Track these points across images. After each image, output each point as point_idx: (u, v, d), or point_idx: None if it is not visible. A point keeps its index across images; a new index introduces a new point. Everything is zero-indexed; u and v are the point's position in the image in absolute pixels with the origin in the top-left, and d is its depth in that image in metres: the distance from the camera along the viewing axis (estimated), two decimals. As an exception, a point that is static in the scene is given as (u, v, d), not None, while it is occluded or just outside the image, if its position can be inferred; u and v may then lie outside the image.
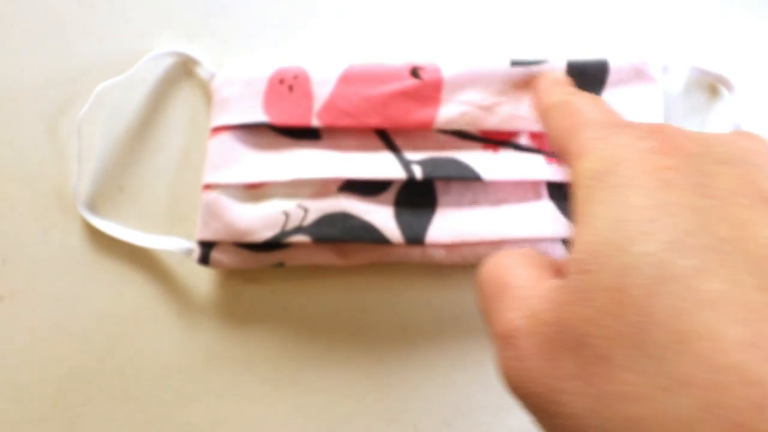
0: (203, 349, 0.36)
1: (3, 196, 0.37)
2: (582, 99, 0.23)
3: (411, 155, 0.35)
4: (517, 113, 0.34)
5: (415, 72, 0.35)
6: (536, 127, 0.34)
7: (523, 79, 0.34)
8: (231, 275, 0.36)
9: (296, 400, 0.35)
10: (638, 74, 0.34)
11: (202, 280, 0.36)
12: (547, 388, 0.16)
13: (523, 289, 0.18)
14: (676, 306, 0.13)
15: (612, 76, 0.34)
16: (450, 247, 0.34)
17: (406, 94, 0.35)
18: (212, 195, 0.34)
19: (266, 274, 0.36)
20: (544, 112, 0.24)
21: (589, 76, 0.34)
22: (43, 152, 0.38)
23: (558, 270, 0.18)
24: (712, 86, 0.37)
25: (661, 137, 0.18)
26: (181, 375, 0.35)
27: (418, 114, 0.35)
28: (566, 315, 0.16)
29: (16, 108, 0.38)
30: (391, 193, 0.35)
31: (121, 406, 0.35)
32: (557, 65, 0.35)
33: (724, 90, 0.36)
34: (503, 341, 0.17)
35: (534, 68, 0.34)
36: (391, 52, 0.38)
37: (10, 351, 0.36)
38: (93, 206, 0.37)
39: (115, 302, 0.36)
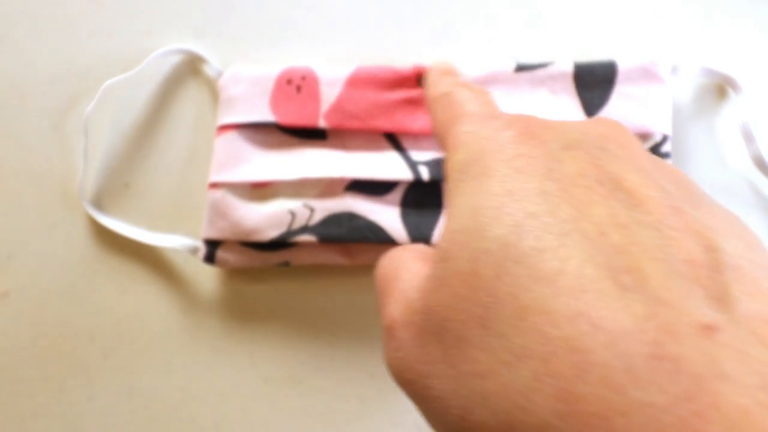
0: (207, 346, 0.36)
1: (9, 191, 0.37)
2: (464, 91, 0.23)
3: (418, 156, 0.35)
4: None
5: (421, 79, 0.35)
6: None
7: (528, 84, 0.34)
8: (235, 274, 0.36)
9: (299, 400, 0.35)
10: (647, 75, 0.34)
11: (207, 277, 0.36)
12: (418, 374, 0.16)
13: (404, 282, 0.19)
14: (517, 284, 0.14)
15: (621, 77, 0.34)
16: None
17: (413, 102, 0.35)
18: (218, 194, 0.34)
19: (271, 274, 0.36)
20: (429, 104, 0.25)
21: (597, 77, 0.34)
22: (49, 148, 0.38)
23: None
24: (720, 87, 0.37)
25: (520, 127, 0.18)
26: (185, 372, 0.35)
27: (425, 120, 0.35)
28: (431, 302, 0.16)
29: (24, 104, 0.38)
30: (397, 194, 0.35)
31: (125, 402, 0.35)
32: (564, 67, 0.34)
33: (731, 91, 0.36)
34: (386, 333, 0.18)
35: (539, 71, 0.34)
36: (398, 51, 0.38)
37: (14, 346, 0.36)
38: (99, 203, 0.37)
39: (119, 299, 0.36)
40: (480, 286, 0.15)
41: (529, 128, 0.18)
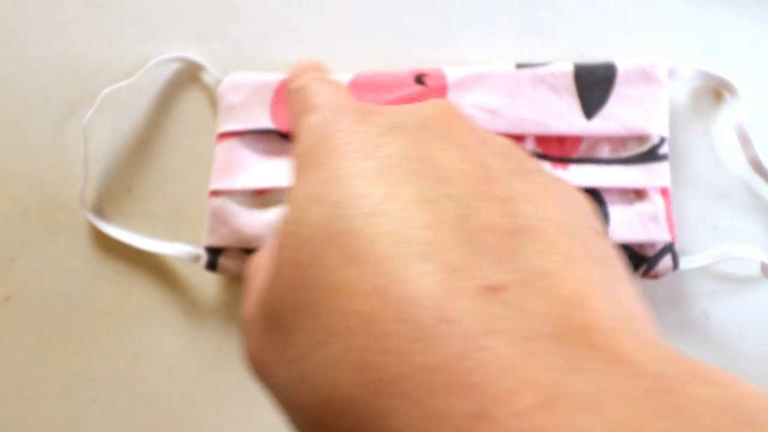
0: (209, 349, 0.36)
1: (12, 195, 0.37)
2: (319, 85, 0.23)
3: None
4: (523, 116, 0.34)
5: (419, 79, 0.35)
6: (542, 130, 0.34)
7: (529, 81, 0.35)
8: (237, 278, 0.36)
9: None
10: (645, 77, 0.34)
11: (209, 281, 0.36)
12: (261, 364, 0.17)
13: (258, 278, 0.19)
14: (329, 266, 0.15)
15: (620, 78, 0.34)
16: None
17: (412, 100, 0.35)
18: (219, 201, 0.34)
19: (272, 277, 0.36)
20: (288, 96, 0.25)
21: (597, 78, 0.34)
22: (51, 152, 0.38)
23: None
24: (716, 90, 0.37)
25: (354, 115, 0.19)
26: (187, 375, 0.35)
27: None
28: (268, 293, 0.17)
29: (26, 108, 0.38)
30: None
31: (127, 405, 0.35)
32: (565, 66, 0.35)
33: (727, 94, 0.36)
34: (242, 329, 0.19)
35: (539, 70, 0.35)
36: (398, 57, 0.38)
37: (17, 350, 0.36)
38: (101, 207, 0.37)
39: (121, 302, 0.36)
40: (301, 273, 0.15)
41: (361, 115, 0.19)
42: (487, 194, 0.16)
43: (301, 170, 0.18)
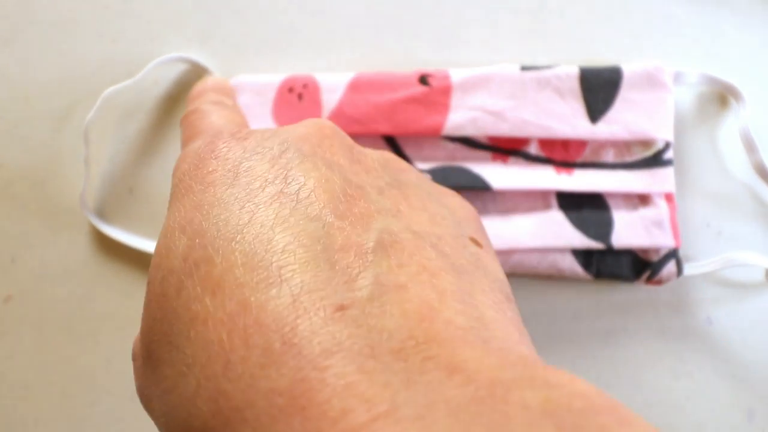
0: (210, 353, 0.35)
1: (12, 195, 0.37)
2: (210, 108, 0.23)
3: (421, 165, 0.35)
4: (527, 118, 0.34)
5: (423, 79, 0.35)
6: (546, 134, 0.34)
7: (534, 83, 0.34)
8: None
9: None
10: (651, 81, 0.34)
11: (210, 284, 0.36)
12: (145, 398, 0.17)
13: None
14: (190, 297, 0.15)
15: (625, 82, 0.34)
16: None
17: (415, 101, 0.35)
18: None
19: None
20: (180, 122, 0.24)
21: (603, 81, 0.34)
22: (53, 152, 0.38)
23: None
24: (722, 95, 0.37)
25: (226, 140, 0.19)
26: (188, 378, 0.35)
27: (426, 120, 0.35)
28: (142, 329, 0.17)
29: (27, 108, 0.38)
30: None
31: (128, 407, 0.35)
32: (571, 69, 0.35)
33: (733, 99, 0.36)
34: (132, 363, 0.19)
35: (545, 72, 0.34)
36: (401, 58, 0.38)
37: (17, 351, 0.36)
38: (102, 207, 0.37)
39: (122, 303, 0.36)
40: (167, 306, 0.15)
41: (232, 140, 0.19)
42: (348, 211, 0.16)
43: (172, 200, 0.18)
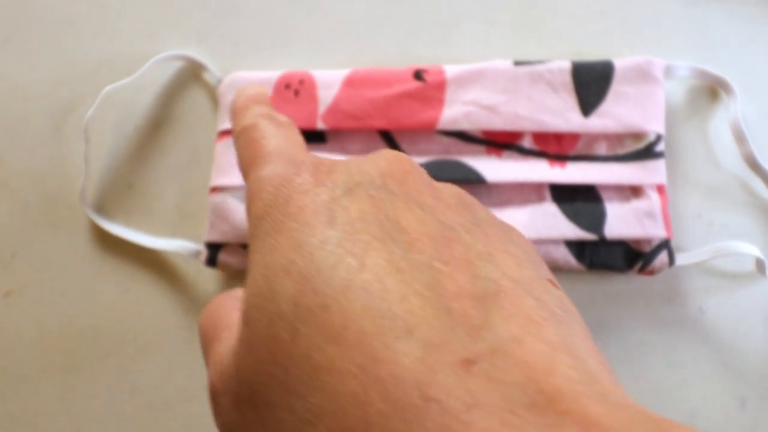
0: (208, 346, 0.36)
1: (13, 191, 0.38)
2: (268, 126, 0.22)
3: (416, 159, 0.35)
4: (520, 112, 0.34)
5: (418, 75, 0.35)
6: (539, 127, 0.34)
7: (527, 78, 0.35)
8: (237, 273, 0.37)
9: None
10: (642, 75, 0.35)
11: (209, 277, 0.37)
12: None
13: (222, 344, 0.19)
14: (310, 344, 0.14)
15: (617, 76, 0.35)
16: None
17: (410, 96, 0.35)
18: (219, 198, 0.35)
19: (271, 273, 0.36)
20: (234, 136, 0.24)
21: (595, 75, 0.35)
22: (53, 149, 0.38)
23: None
24: (712, 88, 0.37)
25: (309, 172, 0.18)
26: (187, 371, 0.36)
27: (421, 115, 0.35)
28: (241, 369, 0.16)
29: (27, 106, 0.39)
30: None
31: (127, 400, 0.35)
32: (562, 65, 0.35)
33: (723, 92, 0.37)
34: (210, 399, 0.18)
35: (537, 67, 0.35)
36: (397, 54, 0.39)
37: (18, 345, 0.36)
38: (102, 203, 0.38)
39: (122, 298, 0.36)
40: (278, 350, 0.15)
41: (317, 173, 0.18)
42: (451, 257, 0.16)
43: (262, 235, 0.17)
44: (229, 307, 0.21)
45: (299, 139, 0.22)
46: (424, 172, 0.20)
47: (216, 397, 0.18)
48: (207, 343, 0.20)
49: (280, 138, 0.21)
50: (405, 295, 0.15)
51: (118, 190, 0.38)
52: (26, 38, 0.40)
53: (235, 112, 0.25)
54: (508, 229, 0.20)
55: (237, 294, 0.22)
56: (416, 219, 0.17)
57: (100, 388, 0.36)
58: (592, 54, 0.38)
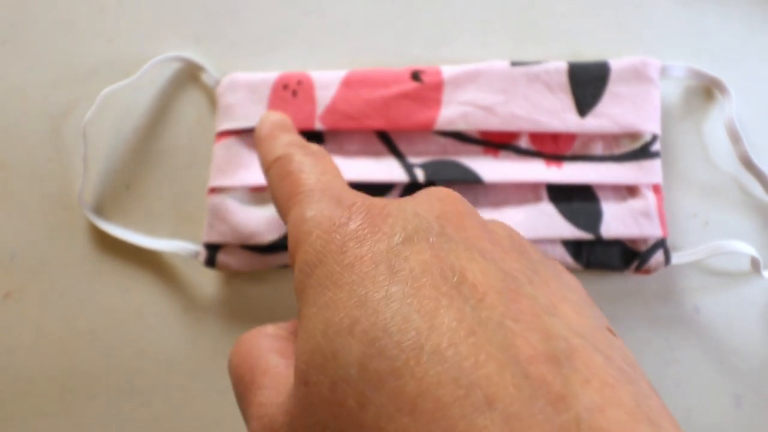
0: (208, 345, 0.36)
1: (12, 193, 0.38)
2: (301, 157, 0.21)
3: (413, 159, 0.35)
4: (517, 113, 0.35)
5: (415, 75, 0.36)
6: (536, 128, 0.35)
7: (524, 78, 0.35)
8: (236, 274, 0.37)
9: None
10: (638, 75, 0.35)
11: (207, 277, 0.37)
12: None
13: (265, 393, 0.18)
14: (381, 414, 0.14)
15: (613, 76, 0.35)
16: None
17: (407, 96, 0.35)
18: (218, 198, 0.35)
19: (271, 274, 0.36)
20: (264, 169, 0.22)
21: (591, 75, 0.35)
22: (51, 151, 0.38)
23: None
24: (707, 88, 0.37)
25: (361, 216, 0.17)
26: (186, 371, 0.36)
27: (419, 116, 0.35)
28: (297, 428, 0.16)
29: (26, 107, 0.39)
30: (393, 195, 0.35)
31: (127, 401, 0.35)
32: (558, 65, 0.35)
33: (718, 92, 0.37)
34: None
35: (534, 67, 0.35)
36: (395, 55, 0.39)
37: (17, 346, 0.36)
38: (100, 204, 0.38)
39: (121, 299, 0.36)
40: (345, 416, 0.14)
41: (370, 218, 0.17)
42: (520, 312, 0.15)
43: (316, 286, 0.16)
44: (264, 348, 0.20)
45: (338, 172, 0.21)
46: (477, 213, 0.19)
47: None
48: (244, 388, 0.19)
49: (318, 171, 0.20)
50: (480, 360, 0.14)
51: (117, 191, 0.38)
52: (25, 41, 0.40)
53: (261, 141, 0.23)
54: (559, 270, 0.19)
55: (269, 332, 0.20)
56: (480, 270, 0.16)
57: (99, 388, 0.36)
58: (588, 54, 0.38)
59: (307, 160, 0.21)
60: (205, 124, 0.38)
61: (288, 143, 0.22)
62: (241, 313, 0.36)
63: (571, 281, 0.20)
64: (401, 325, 0.14)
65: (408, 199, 0.18)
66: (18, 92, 0.39)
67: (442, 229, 0.17)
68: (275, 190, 0.21)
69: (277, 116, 0.25)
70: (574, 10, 0.39)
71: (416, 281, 0.15)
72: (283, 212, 0.20)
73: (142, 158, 0.38)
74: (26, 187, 0.38)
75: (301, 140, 0.23)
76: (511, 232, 0.20)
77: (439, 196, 0.19)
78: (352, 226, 0.17)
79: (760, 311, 0.35)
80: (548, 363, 0.14)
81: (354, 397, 0.14)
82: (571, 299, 0.17)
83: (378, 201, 0.18)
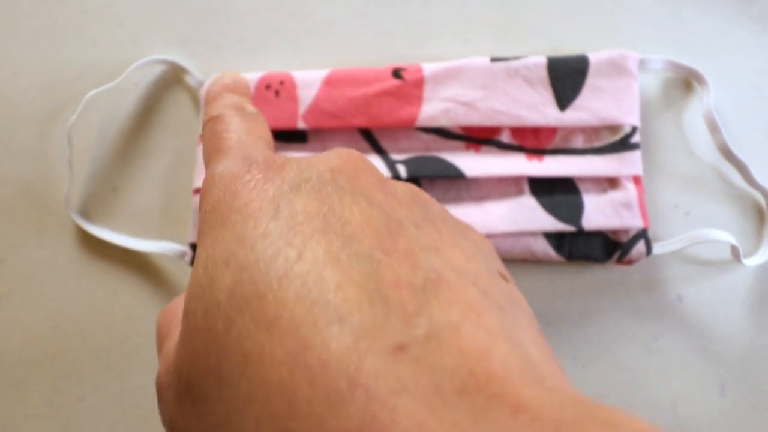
0: (196, 346, 0.36)
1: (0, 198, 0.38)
2: (234, 117, 0.22)
3: (396, 156, 0.36)
4: (497, 108, 0.35)
5: (396, 73, 0.36)
6: (517, 122, 0.35)
7: (504, 73, 0.35)
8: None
9: None
10: (617, 68, 0.35)
11: (195, 278, 0.37)
12: (179, 429, 0.17)
13: (170, 340, 0.19)
14: (242, 333, 0.14)
15: (592, 69, 0.35)
16: None
17: (389, 94, 0.35)
18: None
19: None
20: (202, 126, 0.23)
21: (570, 69, 0.35)
22: (38, 155, 0.38)
23: None
24: (686, 80, 0.38)
25: (261, 167, 0.18)
26: (175, 372, 0.36)
27: (401, 112, 0.35)
28: (179, 361, 0.16)
29: (12, 112, 0.39)
30: None
31: (116, 402, 0.36)
32: (537, 60, 0.35)
33: (696, 84, 0.37)
34: (157, 394, 0.18)
35: (514, 63, 0.35)
36: (377, 55, 0.39)
37: (7, 349, 0.36)
38: (87, 206, 0.38)
39: (109, 301, 0.37)
40: (213, 340, 0.15)
41: (267, 170, 0.18)
42: (393, 248, 0.16)
43: (207, 228, 0.17)
44: (180, 310, 0.21)
45: (263, 133, 0.22)
46: (377, 170, 0.20)
47: (160, 391, 0.18)
48: (159, 339, 0.20)
49: (242, 132, 0.21)
50: (340, 283, 0.15)
51: (103, 193, 0.38)
52: (9, 47, 0.40)
53: (207, 101, 0.24)
54: (463, 227, 0.20)
55: None
56: (361, 212, 0.17)
57: (89, 390, 0.36)
58: (568, 48, 0.38)
59: (236, 120, 0.22)
60: (189, 127, 0.38)
61: (227, 104, 0.23)
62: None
63: (476, 237, 0.20)
64: (272, 255, 0.15)
65: (310, 156, 0.20)
66: (3, 98, 0.39)
67: (332, 179, 0.18)
68: (204, 149, 0.22)
69: (230, 77, 0.26)
70: (553, 5, 0.39)
71: (294, 220, 0.16)
72: (205, 167, 0.21)
73: (129, 160, 0.38)
74: (13, 192, 0.38)
75: (242, 101, 0.24)
76: (414, 190, 0.20)
77: (340, 153, 0.20)
78: (248, 177, 0.18)
79: (742, 299, 0.35)
80: (409, 287, 0.15)
81: (221, 320, 0.15)
82: (462, 245, 0.18)
83: (279, 156, 0.19)
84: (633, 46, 0.37)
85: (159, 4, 0.40)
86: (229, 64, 0.39)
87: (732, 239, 0.33)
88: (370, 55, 0.39)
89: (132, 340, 0.36)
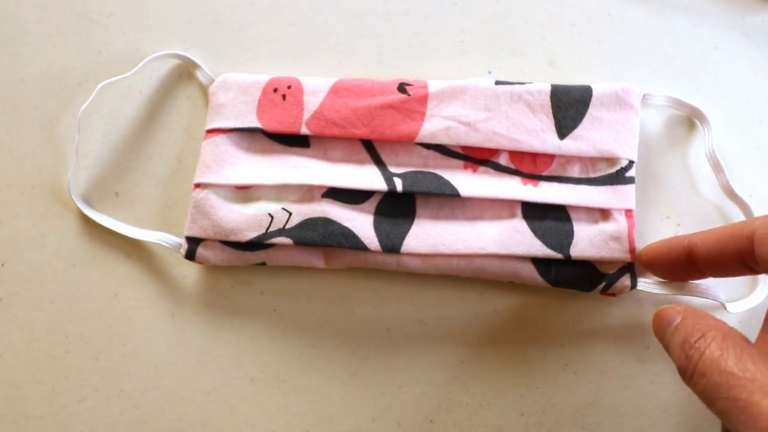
0: (195, 348, 0.37)
1: (2, 201, 0.38)
2: None
3: (394, 169, 0.36)
4: (498, 131, 0.35)
5: (402, 87, 0.36)
6: (515, 146, 0.35)
7: (507, 97, 0.35)
8: (222, 277, 0.37)
9: (284, 398, 0.36)
10: (619, 101, 0.35)
11: (195, 282, 0.37)
12: None
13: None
14: None
15: (594, 101, 0.35)
16: (425, 257, 0.35)
17: (392, 107, 0.36)
18: (202, 194, 0.35)
19: (256, 277, 0.37)
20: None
21: (573, 99, 0.35)
22: (40, 159, 0.39)
23: None
24: (689, 118, 0.38)
25: None
26: (173, 373, 0.36)
27: (402, 127, 0.35)
28: None
29: (17, 117, 0.39)
30: (372, 203, 0.36)
31: (116, 404, 0.36)
32: (541, 87, 0.35)
33: (698, 122, 0.37)
34: None
35: (518, 88, 0.35)
36: (377, 65, 0.39)
37: (7, 350, 0.37)
38: (89, 199, 0.38)
39: (109, 303, 0.37)
40: None
41: None
42: None
43: None
44: None
45: None
46: None
47: None
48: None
49: None
50: None
51: (105, 197, 0.38)
52: (16, 52, 0.40)
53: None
54: None
55: None
56: None
57: (89, 391, 0.36)
58: (562, 61, 0.38)
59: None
60: (192, 132, 0.39)
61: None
62: (226, 316, 0.37)
63: None
64: None
65: None
66: (8, 103, 0.39)
67: None
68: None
69: None
70: (549, 19, 0.39)
71: None
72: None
73: (131, 164, 0.39)
74: (16, 195, 0.38)
75: None
76: None
77: None
78: None
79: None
80: None
81: None
82: None
83: None
84: (625, 60, 0.38)
85: (162, 14, 0.40)
86: (231, 72, 0.39)
87: (722, 299, 0.34)
88: (369, 64, 0.39)
89: (131, 342, 0.37)
